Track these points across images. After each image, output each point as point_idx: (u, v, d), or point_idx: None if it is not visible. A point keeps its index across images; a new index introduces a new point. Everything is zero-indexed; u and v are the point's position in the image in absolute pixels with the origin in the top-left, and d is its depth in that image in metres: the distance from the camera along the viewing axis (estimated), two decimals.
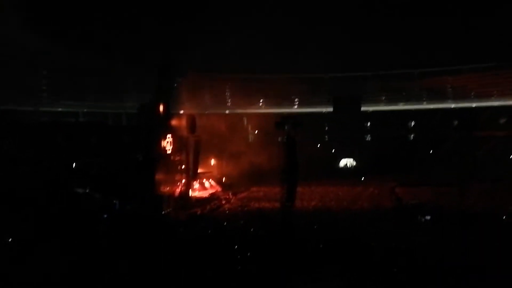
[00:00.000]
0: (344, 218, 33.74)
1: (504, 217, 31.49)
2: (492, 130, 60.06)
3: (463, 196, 33.88)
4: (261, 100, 73.39)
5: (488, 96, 68.23)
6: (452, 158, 52.64)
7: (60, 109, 54.74)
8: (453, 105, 70.62)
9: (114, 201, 32.81)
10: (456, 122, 67.52)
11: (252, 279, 19.86)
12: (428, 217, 32.17)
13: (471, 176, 43.57)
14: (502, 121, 66.18)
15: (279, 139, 33.11)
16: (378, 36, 62.58)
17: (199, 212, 38.11)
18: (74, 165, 37.33)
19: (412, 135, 72.34)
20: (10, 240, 23.68)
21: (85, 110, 57.22)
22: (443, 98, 71.11)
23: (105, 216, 30.55)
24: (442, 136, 65.15)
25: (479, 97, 68.62)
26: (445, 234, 27.56)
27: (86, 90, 56.39)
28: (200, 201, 43.03)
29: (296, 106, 74.46)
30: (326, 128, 72.40)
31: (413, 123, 72.55)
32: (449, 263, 21.92)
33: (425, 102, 72.32)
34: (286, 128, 30.91)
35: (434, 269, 21.05)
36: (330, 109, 71.72)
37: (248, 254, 24.03)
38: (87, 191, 32.69)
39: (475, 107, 68.45)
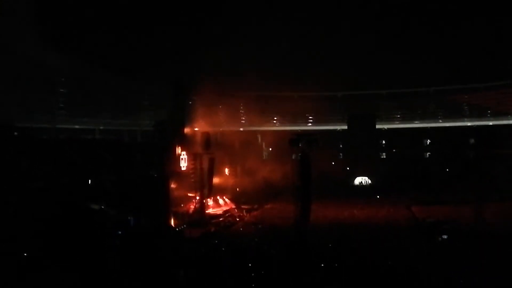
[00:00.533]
0: (359, 237, 33.32)
1: None
2: (509, 148, 59.20)
3: (480, 215, 33.25)
4: (275, 118, 73.61)
5: (505, 114, 67.72)
6: (469, 176, 51.80)
7: (76, 126, 55.43)
8: (469, 123, 70.48)
9: (129, 217, 32.94)
10: (472, 140, 66.81)
11: None
12: (445, 236, 31.65)
13: (488, 194, 42.78)
14: None
15: (293, 156, 32.96)
16: (393, 54, 62.70)
17: (212, 229, 38.03)
18: (89, 181, 37.72)
19: (428, 153, 71.73)
20: (26, 255, 23.85)
21: (101, 127, 57.88)
22: (459, 116, 70.84)
23: (120, 232, 30.65)
24: (458, 154, 64.45)
25: (495, 115, 68.20)
26: (462, 253, 27.08)
27: (102, 108, 57.07)
28: (214, 218, 42.96)
29: (310, 124, 74.49)
30: (341, 145, 72.09)
31: (428, 141, 72.02)
32: (464, 283, 21.58)
33: (440, 120, 72.31)
34: (300, 145, 30.79)
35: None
36: (345, 127, 71.63)
37: (262, 272, 23.86)
38: (102, 207, 32.89)
39: (492, 125, 68.04)
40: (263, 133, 71.62)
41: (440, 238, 31.57)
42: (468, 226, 33.72)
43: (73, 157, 38.51)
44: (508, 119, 67.19)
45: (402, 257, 26.52)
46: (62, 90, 51.56)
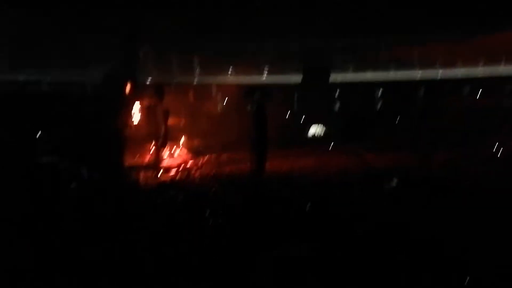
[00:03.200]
0: (313, 184, 34.36)
1: (466, 184, 32.70)
2: (457, 100, 61.69)
3: (429, 162, 34.86)
4: (229, 70, 72.95)
5: (453, 67, 70.10)
6: (418, 126, 53.83)
7: (20, 78, 53.03)
8: (419, 75, 72.48)
9: (82, 171, 32.45)
10: (422, 91, 68.92)
11: (221, 246, 20.14)
12: (394, 183, 33.06)
13: (436, 143, 44.78)
14: (466, 90, 68.04)
15: (248, 108, 33.18)
16: (346, 4, 62.60)
17: (168, 180, 38.00)
18: (38, 135, 36.62)
19: (379, 104, 73.68)
20: None
21: (48, 79, 55.63)
22: (410, 67, 72.76)
23: (72, 185, 30.25)
24: (409, 104, 66.56)
25: (444, 67, 70.52)
26: (410, 200, 28.44)
27: (50, 58, 54.61)
28: (169, 169, 42.86)
29: (265, 76, 74.37)
30: (295, 97, 72.73)
31: (380, 92, 73.84)
32: (413, 228, 22.77)
33: (392, 72, 73.95)
34: (255, 97, 30.92)
35: (398, 233, 21.84)
36: (300, 79, 71.99)
37: (219, 221, 24.28)
38: (53, 160, 32.21)
39: (441, 77, 70.35)
40: (218, 85, 71.05)
41: (389, 185, 32.93)
42: (416, 172, 35.30)
43: (19, 110, 37.12)
44: (456, 72, 69.84)
45: (352, 203, 27.61)
46: (4, 38, 48.83)
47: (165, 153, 45.82)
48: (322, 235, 21.53)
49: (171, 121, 46.18)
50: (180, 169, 43.62)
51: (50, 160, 31.45)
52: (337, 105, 73.24)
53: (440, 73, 70.48)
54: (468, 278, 17.20)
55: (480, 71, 66.70)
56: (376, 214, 25.15)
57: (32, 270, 17.40)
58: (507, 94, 61.03)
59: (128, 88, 44.74)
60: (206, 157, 49.71)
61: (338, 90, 72.63)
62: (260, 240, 21.10)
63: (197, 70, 71.75)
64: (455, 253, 19.86)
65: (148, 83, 52.12)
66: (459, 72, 69.28)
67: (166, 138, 44.83)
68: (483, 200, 28.48)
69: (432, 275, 17.66)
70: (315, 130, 67.35)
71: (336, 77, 71.30)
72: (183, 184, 37.30)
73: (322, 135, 66.70)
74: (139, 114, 43.75)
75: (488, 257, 18.70)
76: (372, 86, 73.10)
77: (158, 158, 42.10)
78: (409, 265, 18.49)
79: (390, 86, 71.58)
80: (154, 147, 42.03)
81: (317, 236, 21.41)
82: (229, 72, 72.24)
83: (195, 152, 51.64)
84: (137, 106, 44.01)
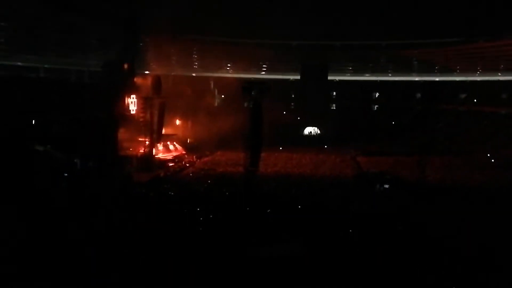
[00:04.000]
0: (305, 184, 34.38)
1: (460, 189, 32.78)
2: (453, 104, 61.72)
3: (422, 167, 34.87)
4: (228, 64, 72.73)
5: (451, 71, 70.05)
6: (414, 129, 53.81)
7: (19, 63, 52.58)
8: (417, 78, 72.47)
9: (76, 160, 32.29)
10: (419, 95, 68.99)
11: (212, 241, 20.15)
12: (386, 186, 33.12)
13: (431, 148, 44.75)
14: (463, 95, 68.19)
15: (245, 104, 33.02)
16: (348, 6, 62.49)
17: (162, 174, 38.00)
18: (34, 122, 36.33)
19: (376, 106, 73.77)
20: None
21: (46, 65, 55.21)
22: (408, 70, 72.64)
23: (66, 174, 30.09)
24: (405, 107, 66.65)
25: (442, 72, 70.43)
26: (402, 203, 28.53)
27: (48, 46, 54.16)
28: (163, 163, 42.84)
29: (264, 72, 74.24)
30: (293, 95, 72.77)
31: (377, 94, 73.92)
32: (403, 228, 22.86)
33: (390, 74, 73.93)
34: (252, 93, 30.78)
35: (388, 234, 21.92)
36: (298, 77, 71.99)
37: (210, 216, 24.31)
38: (47, 149, 31.99)
39: (438, 81, 70.34)
40: (216, 79, 70.88)
41: (381, 188, 33.02)
42: (409, 177, 35.37)
43: (15, 96, 36.79)
44: (454, 76, 69.78)
45: (344, 204, 27.69)
46: (2, 23, 48.34)
47: (160, 146, 45.78)
48: (313, 235, 21.66)
49: (167, 114, 46.11)
50: (174, 163, 43.60)
51: (44, 148, 31.24)
52: (334, 104, 73.28)
53: (438, 76, 70.36)
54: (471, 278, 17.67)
55: (481, 75, 66.51)
56: (366, 215, 25.35)
57: (26, 256, 17.42)
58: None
59: (125, 78, 44.57)
60: (201, 152, 49.78)
61: (335, 89, 72.75)
62: (251, 237, 21.20)
63: (196, 63, 71.46)
64: (448, 253, 20.17)
65: (145, 74, 51.76)
66: (458, 76, 69.10)
67: (161, 131, 44.78)
68: (477, 204, 28.79)
69: (423, 274, 17.90)
70: (311, 129, 67.46)
71: (334, 75, 71.46)
72: (176, 178, 37.33)
73: (317, 134, 66.83)
74: (135, 105, 43.64)
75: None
76: (368, 86, 73.16)
77: (152, 150, 42.07)
78: (400, 265, 18.71)
79: (388, 87, 71.66)
80: (149, 139, 42.01)
81: (309, 235, 21.54)
82: (228, 67, 72.03)
83: (190, 146, 51.65)
84: (133, 97, 43.89)
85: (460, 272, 17.67)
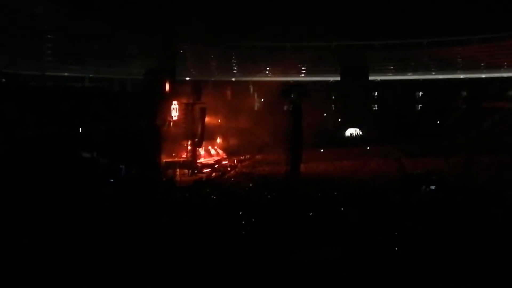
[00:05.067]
0: (348, 187, 33.87)
1: (508, 190, 31.44)
2: (501, 102, 59.46)
3: (469, 167, 33.66)
4: (267, 68, 72.90)
5: (497, 67, 67.51)
6: (459, 129, 52.24)
7: (65, 74, 54.60)
8: (462, 76, 70.20)
9: (120, 166, 33.07)
10: (464, 93, 66.92)
11: (254, 244, 20.15)
12: (432, 187, 32.20)
13: (478, 147, 43.27)
14: (511, 92, 65.56)
15: (285, 107, 33.00)
16: (387, 4, 61.46)
17: (204, 178, 38.42)
18: (80, 130, 37.53)
19: (419, 105, 72.00)
20: (18, 205, 23.91)
21: (90, 75, 57.07)
22: (452, 68, 70.52)
23: (112, 180, 30.84)
24: (450, 106, 64.73)
25: (488, 68, 68.00)
26: (449, 205, 27.65)
27: (92, 56, 56.01)
28: (205, 167, 43.33)
29: (303, 75, 73.95)
30: (333, 97, 72.03)
31: (421, 93, 72.13)
32: (449, 233, 22.10)
33: (433, 72, 71.97)
34: (292, 96, 30.78)
35: (434, 239, 21.22)
36: (338, 78, 71.28)
37: (252, 220, 24.32)
38: (94, 156, 32.91)
39: (484, 78, 67.95)
40: (255, 83, 71.17)
41: (427, 189, 32.14)
42: (456, 178, 34.32)
43: (63, 105, 38.09)
44: (501, 72, 67.23)
45: (389, 208, 27.07)
46: (49, 36, 50.37)
47: (202, 150, 46.35)
48: (355, 239, 21.27)
49: (208, 119, 46.65)
50: (216, 166, 44.02)
51: (90, 155, 32.16)
52: (375, 105, 71.97)
53: (484, 73, 67.84)
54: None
55: None
56: (410, 219, 24.67)
57: (74, 263, 17.91)
58: None
59: (166, 85, 45.37)
60: (241, 156, 50.04)
61: (376, 89, 71.44)
62: (292, 241, 21.05)
63: (235, 68, 72.00)
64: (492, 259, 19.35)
65: (186, 80, 52.60)
66: (506, 72, 66.15)
67: (202, 136, 45.34)
68: None
69: (468, 281, 17.23)
70: (352, 130, 66.62)
71: (375, 76, 70.30)
72: (218, 182, 37.63)
73: (359, 135, 65.91)
74: (177, 111, 44.39)
75: None
76: (411, 86, 71.38)
77: (194, 155, 42.64)
78: (443, 270, 18.09)
79: (430, 86, 69.78)
80: (191, 144, 42.63)
81: (350, 239, 21.18)
82: (267, 71, 72.19)
83: (231, 150, 52.01)
84: (175, 103, 44.67)
85: None
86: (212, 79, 62.72)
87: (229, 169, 43.50)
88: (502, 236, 21.03)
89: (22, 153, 28.23)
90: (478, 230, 22.38)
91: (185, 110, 42.85)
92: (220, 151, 49.90)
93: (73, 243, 19.53)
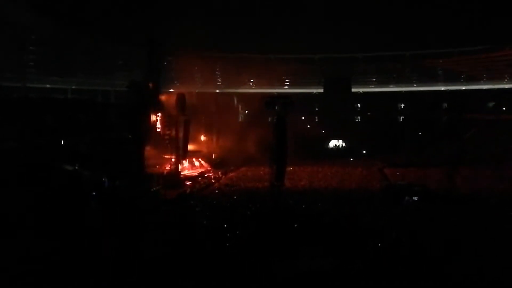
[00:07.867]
0: (332, 199, 33.97)
1: (490, 200, 31.84)
2: (481, 113, 60.47)
3: (451, 178, 34.08)
4: (251, 80, 73.17)
5: (477, 80, 68.84)
6: (441, 140, 52.88)
7: (48, 85, 54.09)
8: (443, 88, 71.40)
9: (103, 179, 32.74)
10: (445, 105, 67.92)
11: (239, 257, 20.03)
12: (415, 198, 32.48)
13: (460, 158, 43.83)
14: (491, 104, 66.79)
15: (269, 119, 32.98)
16: (369, 17, 62.45)
17: (188, 191, 38.16)
18: (62, 142, 37.16)
19: (401, 117, 72.89)
20: None
21: (73, 87, 56.62)
22: (433, 80, 71.69)
23: (94, 193, 30.49)
24: (432, 118, 65.61)
25: (468, 80, 69.27)
26: (431, 215, 27.89)
27: (75, 67, 55.70)
28: (189, 179, 43.06)
29: (286, 87, 74.39)
30: (316, 108, 72.55)
31: (403, 105, 73.05)
32: (433, 242, 22.27)
33: (415, 84, 73.02)
34: (276, 108, 30.76)
35: (419, 249, 21.36)
36: (321, 90, 71.83)
37: (236, 232, 24.20)
38: (76, 168, 32.57)
39: (465, 90, 69.13)
40: (239, 95, 71.35)
41: (410, 200, 32.39)
42: (438, 188, 34.65)
43: (45, 117, 37.74)
44: (480, 85, 68.53)
45: (372, 218, 27.20)
46: (32, 48, 49.98)
47: (186, 162, 46.10)
48: (341, 249, 21.30)
49: (192, 130, 46.49)
50: (200, 179, 43.79)
51: (72, 168, 31.82)
52: (358, 116, 72.61)
53: (465, 85, 69.09)
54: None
55: (509, 83, 65.03)
56: (395, 228, 24.82)
57: (53, 272, 17.59)
58: None
59: (150, 97, 45.10)
60: (225, 167, 49.89)
61: (359, 101, 72.14)
62: (278, 253, 20.99)
63: (219, 80, 72.13)
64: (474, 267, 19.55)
65: (170, 92, 52.45)
66: (486, 84, 67.61)
67: (186, 148, 45.14)
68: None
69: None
70: (336, 142, 67.00)
71: (358, 87, 71.01)
72: (202, 194, 37.43)
73: (342, 147, 66.31)
74: (161, 123, 44.17)
75: None
76: (393, 98, 72.27)
77: (178, 167, 42.39)
78: (427, 279, 18.19)
79: (412, 98, 70.71)
80: (175, 156, 42.39)
81: (336, 250, 21.19)
82: (251, 82, 72.44)
83: (214, 161, 51.84)
84: (159, 115, 44.46)
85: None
86: (197, 91, 62.69)
87: (213, 181, 43.28)
88: (486, 245, 21.32)
89: (1, 166, 27.85)
90: (461, 239, 22.65)
91: (169, 122, 42.65)
92: (204, 163, 49.64)
93: (54, 256, 19.24)
